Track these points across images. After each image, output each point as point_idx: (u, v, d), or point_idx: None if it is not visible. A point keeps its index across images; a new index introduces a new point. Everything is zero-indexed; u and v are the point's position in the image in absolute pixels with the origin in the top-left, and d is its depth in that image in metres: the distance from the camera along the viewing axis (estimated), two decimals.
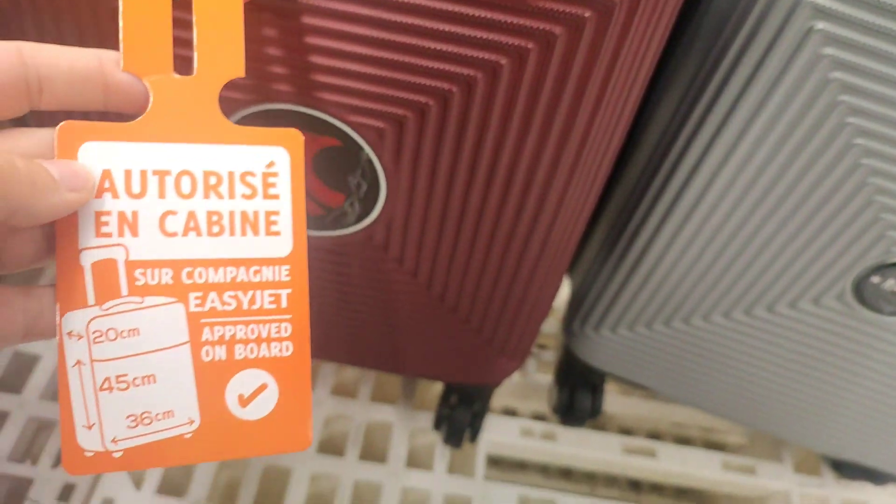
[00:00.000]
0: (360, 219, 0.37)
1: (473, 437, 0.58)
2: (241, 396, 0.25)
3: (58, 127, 0.22)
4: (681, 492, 0.68)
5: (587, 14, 0.27)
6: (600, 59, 0.29)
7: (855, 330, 0.43)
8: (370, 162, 0.34)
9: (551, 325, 0.70)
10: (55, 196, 0.21)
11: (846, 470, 0.62)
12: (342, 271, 0.41)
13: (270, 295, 0.25)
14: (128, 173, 0.23)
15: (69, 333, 0.22)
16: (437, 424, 0.58)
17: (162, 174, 0.23)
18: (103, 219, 0.23)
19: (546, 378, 0.66)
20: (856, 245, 0.38)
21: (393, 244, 0.39)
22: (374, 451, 0.58)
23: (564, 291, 0.55)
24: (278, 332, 0.25)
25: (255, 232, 0.25)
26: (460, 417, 0.56)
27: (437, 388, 0.62)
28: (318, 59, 0.29)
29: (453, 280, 0.41)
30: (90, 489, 0.52)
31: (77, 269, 0.23)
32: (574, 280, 0.56)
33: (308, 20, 0.28)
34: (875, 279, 0.40)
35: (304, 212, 0.26)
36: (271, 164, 0.25)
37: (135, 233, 0.23)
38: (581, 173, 0.34)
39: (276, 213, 0.25)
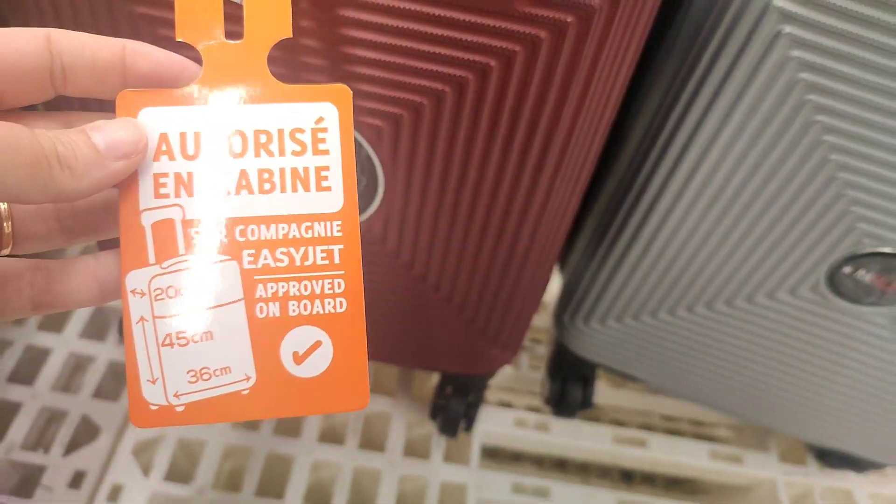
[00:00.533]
0: (359, 213, 0.39)
1: (468, 426, 0.60)
2: (295, 354, 0.25)
3: (117, 96, 0.24)
4: (672, 483, 0.70)
5: (569, 19, 0.29)
6: (582, 60, 0.31)
7: (831, 319, 0.46)
8: (369, 158, 0.36)
9: (544, 320, 0.72)
10: (99, 172, 0.22)
11: (830, 459, 0.64)
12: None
13: (323, 251, 0.25)
14: (183, 136, 0.24)
15: (133, 291, 0.23)
16: (433, 415, 0.60)
17: (215, 135, 0.24)
18: (161, 180, 0.24)
19: (539, 373, 0.68)
20: (828, 237, 0.40)
21: (390, 238, 0.41)
22: (373, 441, 0.60)
23: (556, 286, 0.57)
24: (331, 288, 0.25)
25: (306, 188, 0.25)
26: (455, 408, 0.59)
27: (433, 380, 0.64)
28: (318, 61, 0.32)
29: (447, 272, 0.44)
30: (100, 475, 0.54)
31: (138, 230, 0.24)
32: (565, 274, 0.58)
33: (308, 23, 0.30)
34: (847, 269, 0.42)
35: (353, 167, 0.25)
36: (320, 119, 0.25)
37: (190, 193, 0.24)
38: (566, 168, 0.36)
39: (325, 168, 0.25)
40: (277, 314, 0.25)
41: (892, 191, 0.37)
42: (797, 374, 0.51)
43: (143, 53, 0.24)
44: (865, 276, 0.42)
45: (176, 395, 0.24)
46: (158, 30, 0.32)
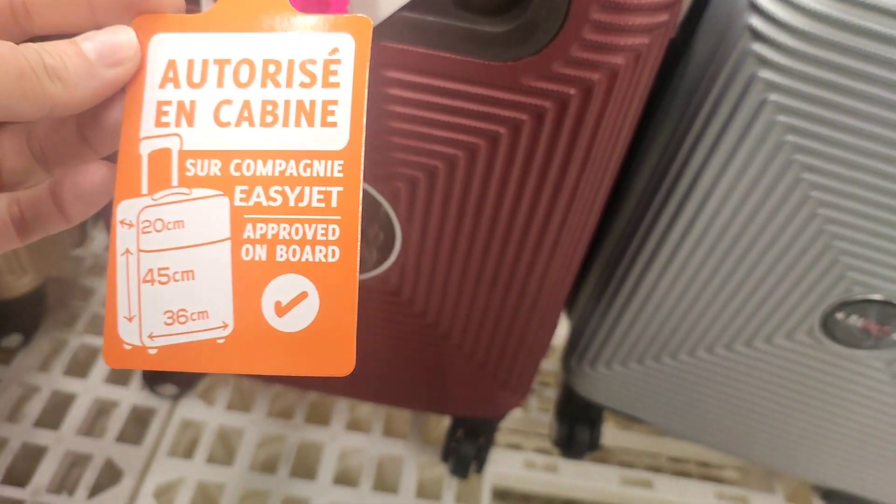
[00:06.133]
0: (377, 265, 0.42)
1: (479, 468, 0.61)
2: (278, 304, 0.23)
3: (133, 21, 0.23)
4: None
5: (572, 92, 0.32)
6: (584, 127, 0.34)
7: (827, 363, 0.47)
8: (387, 216, 0.39)
9: (552, 363, 0.74)
10: (91, 81, 0.21)
11: (836, 499, 0.65)
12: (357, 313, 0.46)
13: (320, 192, 0.23)
14: (190, 63, 0.23)
15: (122, 222, 0.23)
16: (445, 457, 0.62)
17: (222, 63, 0.23)
18: (164, 108, 0.23)
19: (548, 415, 0.70)
20: (819, 285, 0.43)
21: (405, 288, 0.44)
22: (386, 483, 0.62)
23: (564, 330, 0.59)
24: (325, 234, 0.23)
25: (311, 122, 0.23)
26: (466, 450, 0.60)
27: (445, 423, 0.66)
28: None
29: (458, 320, 0.46)
30: None
31: (135, 158, 0.23)
32: (572, 320, 0.60)
33: None
34: (840, 315, 0.44)
35: (363, 104, 0.23)
36: (335, 50, 0.23)
37: (190, 122, 0.23)
38: (570, 224, 0.39)
39: (334, 102, 0.23)
40: (263, 258, 0.23)
41: (878, 242, 0.40)
42: (798, 416, 0.52)
43: None
44: (858, 321, 0.44)
45: (150, 337, 0.23)
46: None
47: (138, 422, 0.63)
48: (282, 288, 0.23)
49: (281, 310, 0.23)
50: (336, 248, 0.23)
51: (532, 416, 0.71)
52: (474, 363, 0.50)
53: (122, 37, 0.22)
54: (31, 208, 0.24)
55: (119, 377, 0.65)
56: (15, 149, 0.23)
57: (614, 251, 0.49)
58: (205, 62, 0.23)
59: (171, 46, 0.23)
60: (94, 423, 0.63)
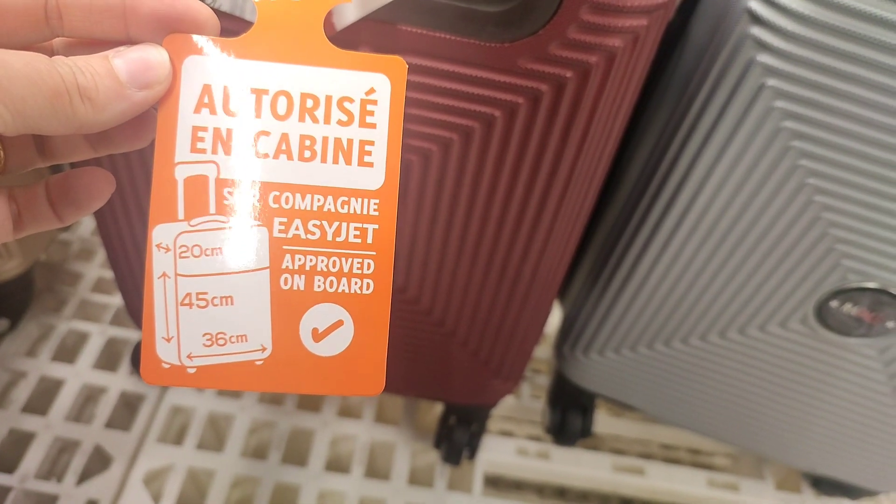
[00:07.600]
0: None
1: (471, 455, 0.61)
2: (315, 330, 0.24)
3: (164, 39, 0.22)
4: None
5: (568, 75, 0.32)
6: (581, 111, 0.33)
7: (820, 351, 0.47)
8: None
9: (545, 351, 0.74)
10: (120, 104, 0.21)
11: (824, 486, 0.66)
12: None
13: (356, 229, 0.24)
14: (227, 90, 0.23)
15: (158, 245, 0.23)
16: (437, 444, 0.61)
17: (260, 93, 0.23)
18: (200, 134, 0.23)
19: (540, 402, 0.70)
20: (814, 273, 0.42)
21: (398, 274, 0.43)
22: (378, 470, 0.62)
23: (556, 318, 0.59)
24: (360, 268, 0.24)
25: (348, 161, 0.24)
26: (459, 437, 0.60)
27: (437, 409, 0.65)
28: None
29: (452, 306, 0.46)
30: None
31: (171, 183, 0.23)
32: (564, 307, 0.60)
33: None
34: (834, 303, 0.44)
35: (399, 145, 0.24)
36: (371, 90, 0.24)
37: (227, 151, 0.23)
38: (566, 209, 0.38)
39: (370, 143, 0.24)
40: (302, 287, 0.24)
41: (873, 229, 0.40)
42: (789, 404, 0.53)
43: None
44: (852, 309, 0.44)
45: (189, 357, 0.24)
46: None
47: (127, 408, 0.62)
48: (319, 316, 0.24)
49: (318, 336, 0.24)
50: (371, 282, 0.24)
51: (524, 403, 0.71)
52: (467, 351, 0.49)
53: (154, 57, 0.22)
54: (26, 205, 0.24)
55: (107, 363, 0.65)
56: (22, 142, 0.24)
57: (609, 237, 0.49)
58: (241, 90, 0.23)
59: (206, 70, 0.23)
60: (82, 409, 0.62)
